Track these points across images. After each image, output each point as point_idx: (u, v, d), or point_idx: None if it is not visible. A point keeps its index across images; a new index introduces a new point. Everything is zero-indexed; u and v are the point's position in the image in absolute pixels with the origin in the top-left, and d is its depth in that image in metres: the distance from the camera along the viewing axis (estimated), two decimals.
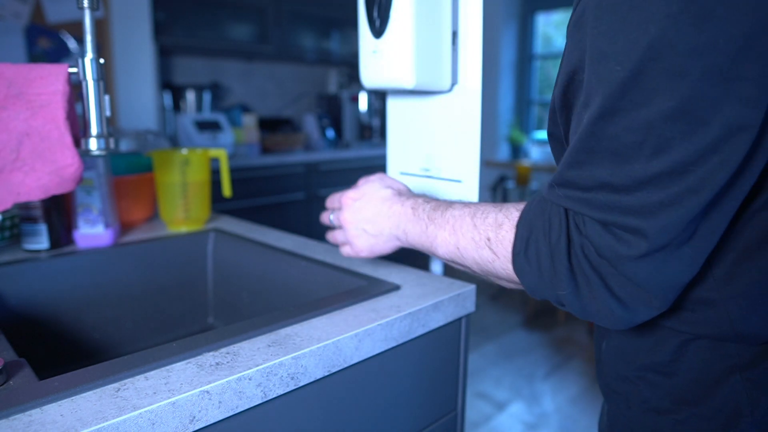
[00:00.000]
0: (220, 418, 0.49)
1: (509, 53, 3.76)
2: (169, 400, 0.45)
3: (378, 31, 0.78)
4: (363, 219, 0.68)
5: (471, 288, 0.73)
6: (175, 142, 2.77)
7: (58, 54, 2.35)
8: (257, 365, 0.51)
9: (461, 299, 0.71)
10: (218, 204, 2.23)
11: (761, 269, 0.45)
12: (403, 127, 0.91)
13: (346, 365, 0.59)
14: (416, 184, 0.87)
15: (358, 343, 0.59)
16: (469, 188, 0.80)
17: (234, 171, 2.58)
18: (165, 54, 2.92)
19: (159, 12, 2.66)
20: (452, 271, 3.66)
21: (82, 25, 0.72)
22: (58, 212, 0.89)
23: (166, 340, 0.96)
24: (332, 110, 3.58)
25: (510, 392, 2.22)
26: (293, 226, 2.84)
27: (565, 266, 0.45)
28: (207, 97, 2.99)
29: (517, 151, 3.76)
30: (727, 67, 0.36)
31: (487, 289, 3.39)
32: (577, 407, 2.11)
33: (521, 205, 0.52)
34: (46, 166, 0.71)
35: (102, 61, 0.73)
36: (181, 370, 0.50)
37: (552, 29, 3.85)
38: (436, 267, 0.73)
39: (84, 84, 0.72)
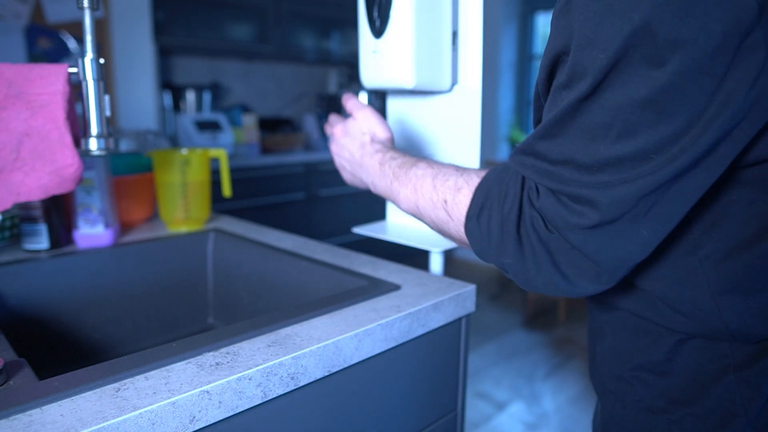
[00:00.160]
0: (220, 418, 0.49)
1: (509, 53, 3.76)
2: (169, 400, 0.45)
3: (378, 31, 0.78)
4: (344, 158, 0.74)
5: (471, 288, 0.73)
6: (175, 142, 2.77)
7: (58, 54, 2.35)
8: (257, 365, 0.51)
9: (461, 299, 0.71)
10: (218, 204, 2.23)
11: (751, 265, 0.45)
12: (403, 127, 0.91)
13: (346, 365, 0.59)
14: None
15: (358, 343, 0.59)
16: None
17: (234, 171, 2.58)
18: (165, 54, 2.92)
19: (159, 12, 2.66)
20: (452, 271, 3.66)
21: (82, 25, 0.72)
22: (58, 212, 0.89)
23: (166, 340, 0.96)
24: (332, 110, 3.58)
25: (510, 392, 2.22)
26: (293, 226, 2.84)
27: (513, 237, 0.47)
28: (207, 97, 2.99)
29: None
30: (703, 63, 0.37)
31: (487, 289, 3.39)
32: (577, 407, 2.11)
33: (483, 172, 0.54)
34: (46, 166, 0.71)
35: (102, 61, 0.73)
36: (181, 370, 0.50)
37: None
38: (436, 267, 0.73)
39: (84, 84, 0.72)
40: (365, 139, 0.71)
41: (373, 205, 3.27)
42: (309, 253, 0.89)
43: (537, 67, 3.87)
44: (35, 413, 0.43)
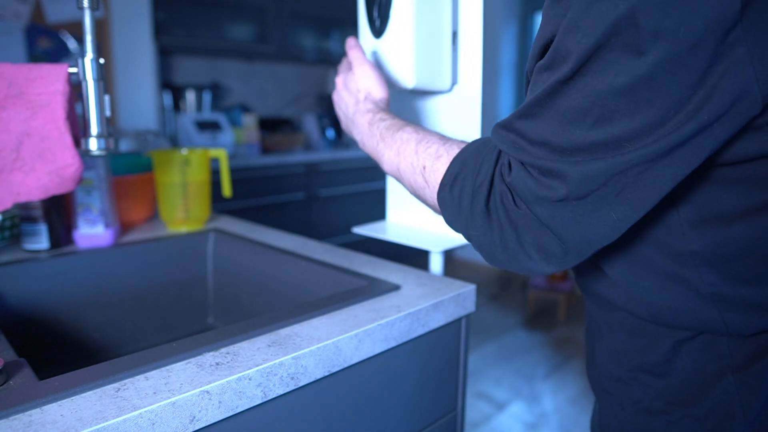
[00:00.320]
0: (220, 418, 0.49)
1: (509, 53, 3.76)
2: (169, 400, 0.45)
3: (378, 31, 0.78)
4: (341, 110, 0.75)
5: (471, 288, 0.73)
6: (175, 142, 2.77)
7: (58, 54, 2.35)
8: (257, 365, 0.51)
9: (461, 299, 0.71)
10: (218, 204, 2.23)
11: (745, 258, 0.45)
12: None
13: (346, 365, 0.59)
14: None
15: (358, 343, 0.59)
16: None
17: (234, 171, 2.58)
18: (165, 54, 2.92)
19: (159, 12, 2.66)
20: (452, 271, 3.66)
21: (82, 25, 0.72)
22: (58, 212, 0.89)
23: (166, 340, 0.96)
24: (332, 110, 3.57)
25: (510, 392, 2.22)
26: (293, 226, 2.84)
27: (482, 210, 0.47)
28: (207, 97, 2.99)
29: None
30: (682, 56, 0.37)
31: (487, 289, 3.39)
32: (577, 407, 2.11)
33: (463, 143, 0.55)
34: (46, 166, 0.71)
35: (102, 61, 0.73)
36: (181, 370, 0.50)
37: None
38: (436, 267, 0.73)
39: (84, 84, 0.72)
40: (360, 96, 0.71)
41: (373, 205, 3.27)
42: (309, 253, 0.89)
43: None
44: (35, 413, 0.43)
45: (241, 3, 2.95)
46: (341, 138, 3.47)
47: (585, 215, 0.42)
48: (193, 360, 0.52)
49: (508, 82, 3.81)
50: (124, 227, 1.04)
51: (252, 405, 0.51)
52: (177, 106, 2.93)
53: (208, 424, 0.48)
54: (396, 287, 0.71)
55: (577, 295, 3.16)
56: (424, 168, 0.56)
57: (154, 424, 0.44)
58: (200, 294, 1.01)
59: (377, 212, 3.18)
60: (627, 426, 0.55)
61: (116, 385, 0.47)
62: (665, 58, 0.37)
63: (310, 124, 3.33)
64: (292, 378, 0.54)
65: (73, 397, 0.45)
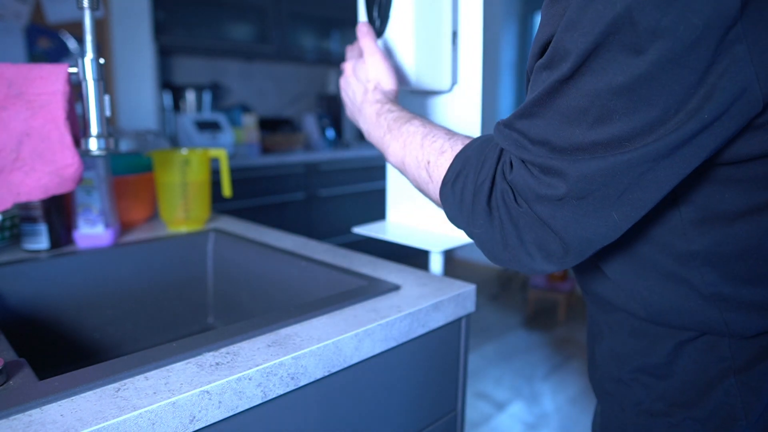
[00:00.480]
0: (220, 418, 0.49)
1: (509, 53, 3.76)
2: (169, 400, 0.45)
3: (378, 31, 0.78)
4: (348, 96, 0.74)
5: (471, 288, 0.73)
6: (175, 142, 2.77)
7: (58, 54, 2.35)
8: (257, 365, 0.51)
9: (461, 299, 0.71)
10: (218, 204, 2.23)
11: (745, 258, 0.45)
12: None
13: (346, 365, 0.59)
14: None
15: (358, 343, 0.59)
16: None
17: (234, 171, 2.58)
18: (165, 54, 2.92)
19: (159, 12, 2.66)
20: (452, 271, 3.66)
21: (82, 25, 0.72)
22: (58, 212, 0.89)
23: (166, 340, 0.96)
24: (332, 110, 3.58)
25: (510, 392, 2.22)
26: (293, 226, 2.84)
27: (484, 208, 0.47)
28: (207, 97, 2.99)
29: None
30: (681, 54, 0.37)
31: (487, 289, 3.39)
32: (577, 407, 2.11)
33: (468, 139, 0.55)
34: (46, 166, 0.71)
35: (102, 61, 0.73)
36: (181, 370, 0.50)
37: None
38: (436, 267, 0.73)
39: (84, 84, 0.72)
40: (369, 86, 0.70)
41: (373, 205, 3.27)
42: (309, 253, 0.89)
43: None
44: (35, 413, 0.43)
45: (241, 3, 2.95)
46: (341, 138, 3.47)
47: (586, 215, 0.42)
48: (193, 360, 0.52)
49: (508, 82, 3.81)
50: (124, 227, 1.04)
51: (252, 405, 0.51)
52: (177, 106, 2.93)
53: (208, 424, 0.48)
54: (396, 287, 0.71)
55: (577, 295, 3.16)
56: (429, 163, 0.56)
57: (154, 424, 0.44)
58: (200, 294, 1.01)
59: (377, 212, 3.18)
60: (628, 428, 0.55)
61: (116, 385, 0.47)
62: (664, 56, 0.37)
63: (310, 124, 3.33)
64: (292, 378, 0.54)
65: (73, 397, 0.45)
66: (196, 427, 0.47)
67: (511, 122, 0.46)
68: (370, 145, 3.43)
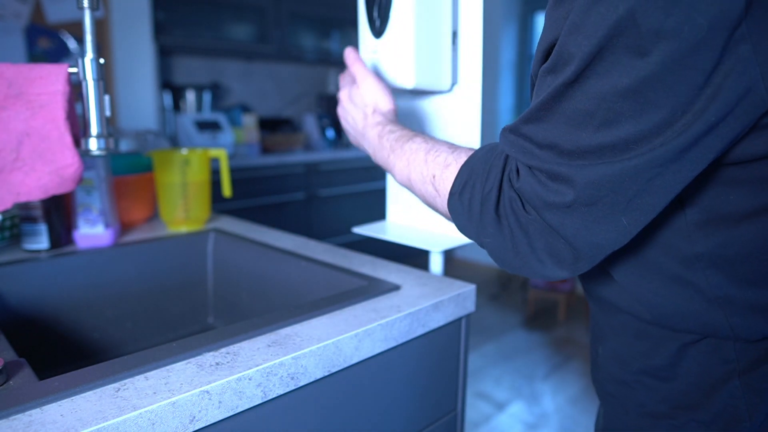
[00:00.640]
0: (220, 418, 0.49)
1: (509, 53, 3.76)
2: (169, 400, 0.45)
3: (378, 31, 0.78)
4: (348, 124, 0.76)
5: (471, 288, 0.73)
6: (175, 142, 2.77)
7: (58, 54, 2.35)
8: (257, 365, 0.51)
9: (461, 299, 0.71)
10: (218, 204, 2.23)
11: (751, 260, 0.45)
12: None
13: (346, 365, 0.59)
14: None
15: (358, 343, 0.59)
16: None
17: (234, 171, 2.58)
18: (165, 54, 2.92)
19: (159, 12, 2.66)
20: (452, 271, 3.66)
21: (82, 25, 0.72)
22: (58, 212, 0.89)
23: (166, 340, 0.96)
24: (332, 110, 3.57)
25: (510, 392, 2.22)
26: (293, 226, 2.84)
27: (492, 216, 0.48)
28: (207, 97, 2.99)
29: None
30: (686, 55, 0.37)
31: (487, 289, 3.39)
32: (577, 407, 2.11)
33: (472, 150, 0.55)
34: (46, 166, 0.71)
35: (102, 61, 0.73)
36: (181, 370, 0.50)
37: None
38: (436, 267, 0.73)
39: (84, 84, 0.72)
40: (368, 110, 0.71)
41: (373, 205, 3.27)
42: (309, 253, 0.89)
43: None
44: (35, 413, 0.43)
45: (241, 3, 2.95)
46: (341, 138, 3.47)
47: (596, 222, 0.42)
48: (193, 360, 0.52)
49: (508, 82, 3.81)
50: (124, 227, 1.04)
51: (252, 405, 0.51)
52: (177, 106, 2.93)
53: (208, 424, 0.48)
54: (396, 287, 0.71)
55: (577, 295, 3.16)
56: (434, 177, 0.56)
57: (154, 424, 0.44)
58: (200, 294, 1.01)
59: (377, 212, 3.17)
60: (631, 430, 0.55)
61: (116, 385, 0.47)
62: (669, 58, 0.37)
63: (310, 124, 3.33)
64: (292, 378, 0.54)
65: (73, 397, 0.45)
66: (196, 427, 0.47)
67: (517, 127, 0.46)
68: None
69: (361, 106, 0.72)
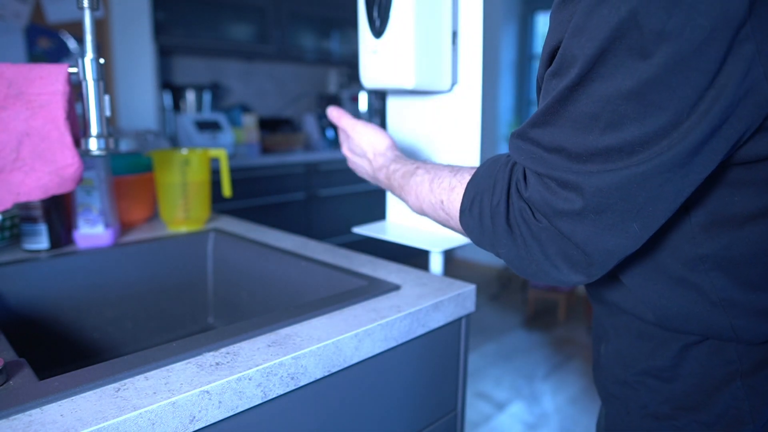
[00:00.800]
0: (220, 418, 0.49)
1: (509, 53, 3.76)
2: (169, 400, 0.45)
3: (378, 31, 0.78)
4: (360, 173, 0.79)
5: (471, 288, 0.73)
6: (175, 142, 2.77)
7: (58, 54, 2.35)
8: (257, 365, 0.51)
9: (461, 299, 0.71)
10: (218, 204, 2.23)
11: (755, 263, 0.44)
12: (403, 127, 0.91)
13: (346, 365, 0.59)
14: None
15: (358, 343, 0.59)
16: None
17: (234, 171, 2.58)
18: (165, 54, 2.92)
19: (159, 12, 2.66)
20: (452, 271, 3.66)
21: (82, 25, 0.72)
22: (58, 212, 0.89)
23: (166, 340, 0.96)
24: None
25: (510, 392, 2.22)
26: (293, 226, 2.84)
27: (504, 227, 0.48)
28: (207, 97, 2.99)
29: None
30: (689, 57, 0.36)
31: (487, 289, 3.39)
32: (577, 407, 2.11)
33: (474, 169, 0.56)
34: (46, 166, 0.71)
35: (102, 61, 0.73)
36: (181, 370, 0.50)
37: None
38: (436, 267, 0.73)
39: (84, 84, 0.72)
40: (369, 156, 0.75)
41: (373, 205, 3.27)
42: (309, 253, 0.89)
43: (537, 67, 3.86)
44: (35, 413, 0.43)
45: (241, 3, 2.95)
46: None
47: (606, 229, 0.42)
48: (193, 360, 0.52)
49: (508, 82, 3.81)
50: (124, 227, 1.04)
51: (252, 405, 0.51)
52: (177, 106, 2.93)
53: (208, 424, 0.48)
54: (396, 287, 0.71)
55: (577, 295, 3.16)
56: (442, 202, 0.58)
57: (154, 424, 0.44)
58: (200, 294, 1.01)
59: (377, 212, 3.18)
60: (633, 431, 0.55)
61: (116, 385, 0.47)
62: (672, 59, 0.37)
63: (310, 124, 3.33)
64: (292, 378, 0.54)
65: (73, 397, 0.45)
66: (196, 427, 0.47)
67: (524, 132, 0.46)
68: None
69: (362, 154, 0.76)
